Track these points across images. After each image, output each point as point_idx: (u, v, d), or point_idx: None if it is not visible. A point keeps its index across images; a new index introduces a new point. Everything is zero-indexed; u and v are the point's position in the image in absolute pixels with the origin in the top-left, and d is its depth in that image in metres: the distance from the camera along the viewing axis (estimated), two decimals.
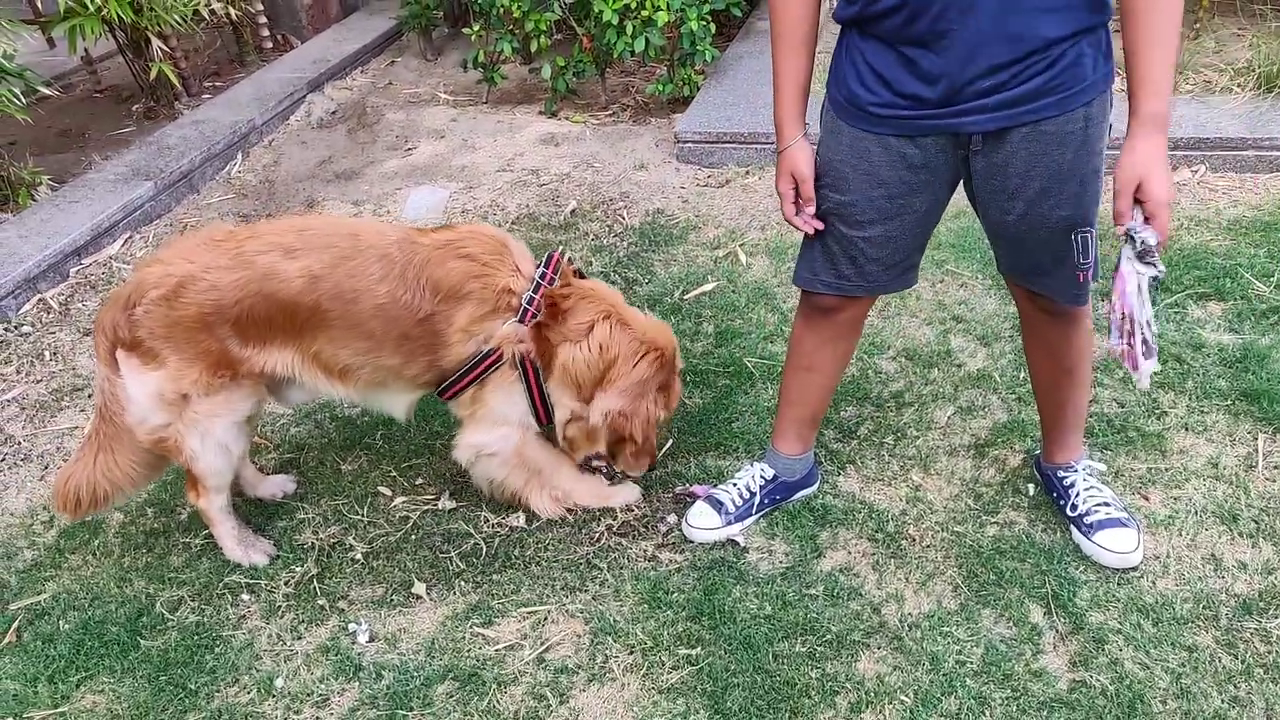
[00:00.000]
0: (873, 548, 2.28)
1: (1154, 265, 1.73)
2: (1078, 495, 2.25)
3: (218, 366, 2.12)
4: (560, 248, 2.45)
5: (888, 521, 2.34)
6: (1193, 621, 2.03)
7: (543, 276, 2.18)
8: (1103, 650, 1.98)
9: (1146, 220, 1.71)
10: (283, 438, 2.79)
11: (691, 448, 2.63)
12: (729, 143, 4.08)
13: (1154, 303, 1.77)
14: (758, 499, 2.35)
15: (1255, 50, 4.05)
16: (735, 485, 2.37)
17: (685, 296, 3.28)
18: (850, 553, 2.27)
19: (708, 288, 3.31)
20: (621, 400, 2.21)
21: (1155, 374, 1.86)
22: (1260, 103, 3.85)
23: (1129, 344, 1.81)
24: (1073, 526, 2.24)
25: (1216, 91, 4.00)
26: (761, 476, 2.37)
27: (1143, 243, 1.70)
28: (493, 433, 2.28)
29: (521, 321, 2.15)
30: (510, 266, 2.17)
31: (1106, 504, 2.22)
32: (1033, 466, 2.43)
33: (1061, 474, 2.30)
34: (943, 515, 2.35)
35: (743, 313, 3.17)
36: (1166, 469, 2.42)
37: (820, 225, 2.02)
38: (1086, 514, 2.22)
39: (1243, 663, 1.94)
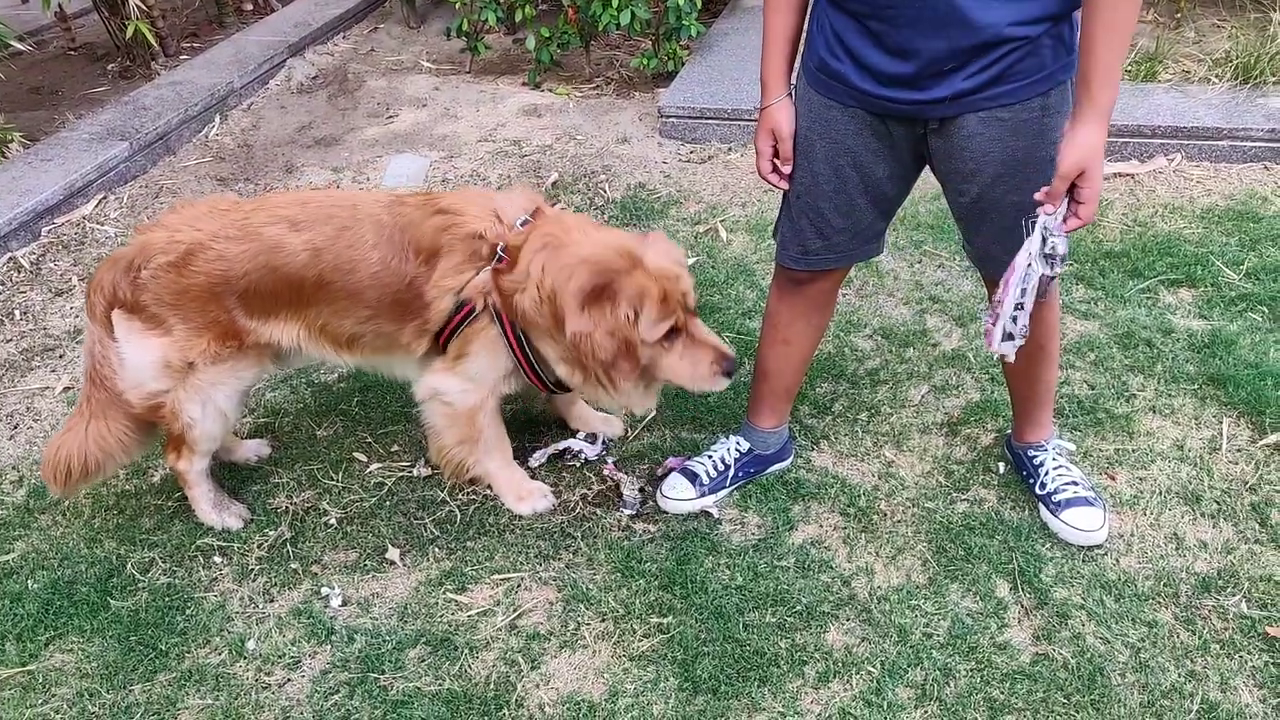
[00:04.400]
0: (844, 522, 2.30)
1: (1054, 267, 1.76)
2: (1046, 474, 2.29)
3: (225, 336, 2.11)
4: (554, 197, 2.38)
5: (859, 497, 2.37)
6: (1153, 598, 2.07)
7: (524, 224, 2.09)
8: (1066, 625, 2.02)
9: (1073, 206, 1.72)
10: (258, 402, 2.77)
11: (667, 421, 2.64)
12: (713, 119, 4.07)
13: (1040, 294, 1.81)
14: (732, 471, 2.37)
15: (1234, 41, 4.09)
16: (710, 457, 2.39)
17: None
18: (822, 526, 2.30)
19: (688, 263, 3.31)
20: (576, 322, 2.00)
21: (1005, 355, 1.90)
22: (1237, 93, 3.89)
23: (992, 324, 1.88)
24: (1041, 504, 2.28)
25: (1195, 81, 4.04)
26: (737, 449, 2.39)
27: (1053, 247, 1.74)
28: (455, 383, 2.20)
29: (493, 269, 2.07)
30: (488, 213, 2.10)
31: (1074, 483, 2.26)
32: (1004, 445, 2.46)
33: (1031, 453, 2.34)
34: (914, 491, 2.38)
35: (721, 288, 3.18)
36: (1133, 450, 2.46)
37: (786, 186, 2.05)
38: (1054, 493, 2.25)
39: (1200, 639, 1.98)
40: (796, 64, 1.99)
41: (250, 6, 5.83)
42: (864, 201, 2.02)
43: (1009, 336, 1.86)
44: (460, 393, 2.22)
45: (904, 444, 2.53)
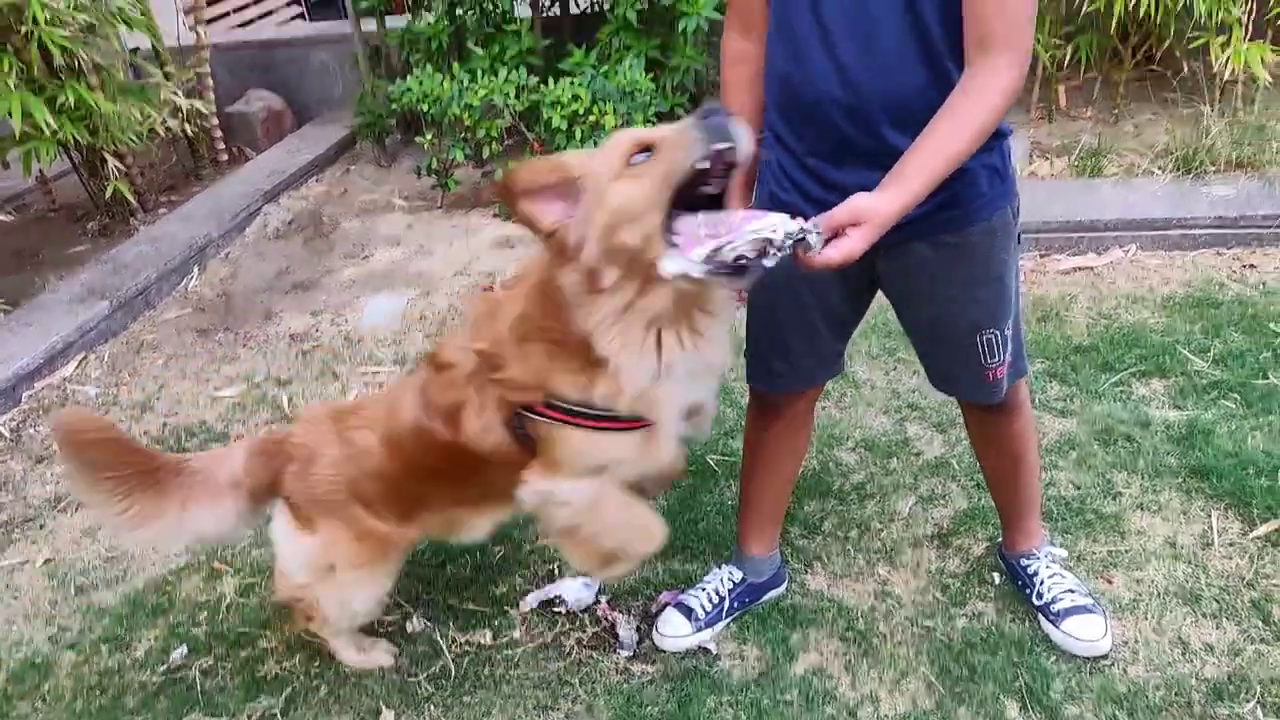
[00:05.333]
0: (844, 647, 2.28)
1: (770, 251, 1.54)
2: (1042, 583, 2.28)
3: (360, 538, 2.10)
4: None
5: (857, 619, 2.34)
6: (1166, 709, 2.05)
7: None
8: None
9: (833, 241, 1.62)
10: (243, 562, 2.74)
11: (659, 553, 2.62)
12: None
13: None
14: (727, 603, 2.35)
15: (1170, 135, 4.26)
16: (704, 589, 2.36)
17: None
18: (823, 654, 2.27)
19: None
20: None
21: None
22: (1180, 183, 4.03)
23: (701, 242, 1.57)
24: (1040, 615, 2.26)
25: (1139, 174, 4.19)
26: (730, 579, 2.38)
27: (788, 238, 1.55)
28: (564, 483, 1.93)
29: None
30: (465, 348, 1.94)
31: (1071, 590, 2.25)
32: (996, 555, 2.46)
33: (1024, 562, 2.33)
34: (911, 610, 2.36)
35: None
36: (1126, 550, 2.46)
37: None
38: (1052, 602, 2.24)
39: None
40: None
41: (226, 157, 5.97)
42: (823, 326, 2.06)
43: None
44: (570, 491, 1.93)
45: (897, 559, 2.52)
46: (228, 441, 3.24)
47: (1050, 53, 4.65)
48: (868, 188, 1.65)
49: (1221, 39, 4.29)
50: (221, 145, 5.95)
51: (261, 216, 5.15)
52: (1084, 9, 4.48)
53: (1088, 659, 2.17)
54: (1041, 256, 3.94)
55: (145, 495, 2.05)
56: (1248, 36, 4.35)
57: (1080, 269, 3.83)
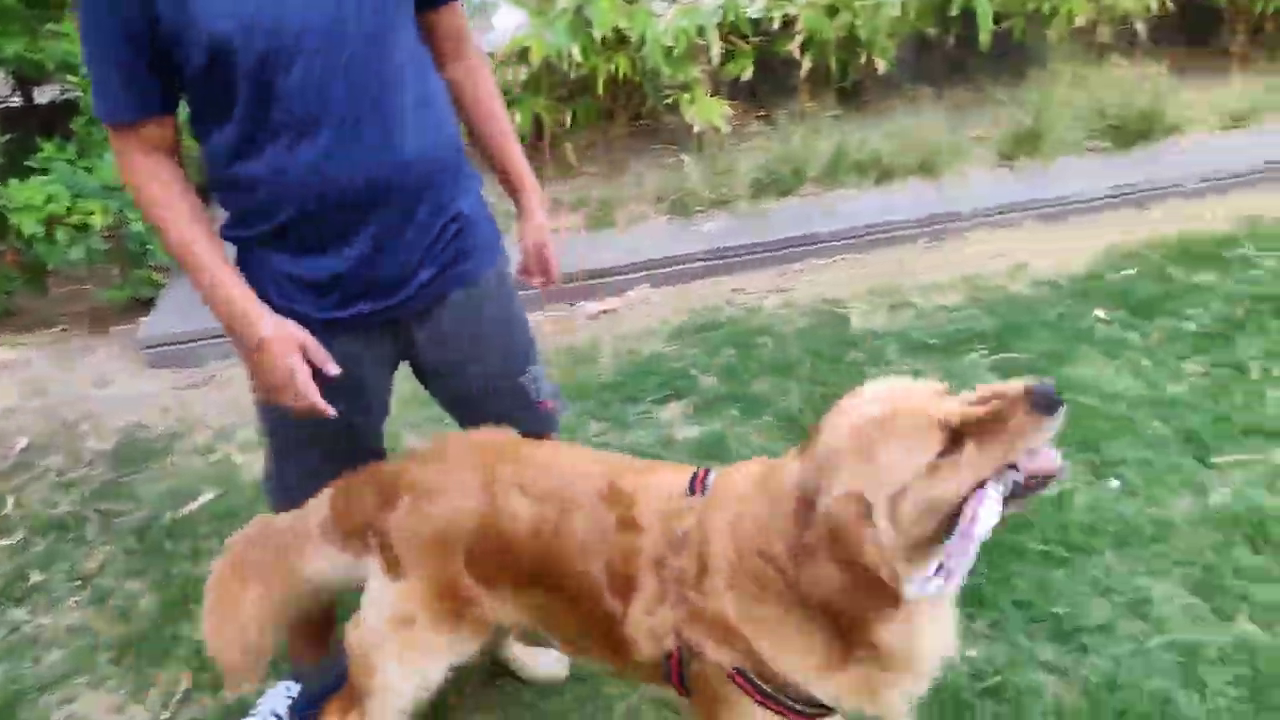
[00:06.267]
0: None
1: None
2: None
3: (448, 595, 1.76)
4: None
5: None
6: None
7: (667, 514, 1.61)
8: None
9: (540, 279, 2.10)
10: None
11: (205, 684, 2.38)
12: (204, 339, 3.87)
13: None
14: None
15: (661, 182, 4.82)
16: (259, 714, 2.19)
17: (180, 514, 3.01)
18: None
19: (206, 499, 3.08)
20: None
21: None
22: (675, 224, 4.57)
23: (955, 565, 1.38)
24: None
25: (642, 220, 4.67)
26: (287, 696, 2.22)
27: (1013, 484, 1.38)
28: None
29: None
30: (669, 526, 1.59)
31: None
32: None
33: None
34: (482, 674, 2.37)
35: (249, 517, 2.98)
36: None
37: (332, 411, 1.81)
38: None
39: None
40: None
41: None
42: (362, 422, 1.98)
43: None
44: None
45: None
46: None
47: (552, 115, 5.04)
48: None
49: (687, 96, 4.94)
50: None
51: None
52: (571, 74, 4.92)
53: None
54: (570, 306, 4.23)
55: None
56: (709, 93, 5.05)
57: (604, 312, 4.17)
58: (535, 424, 2.14)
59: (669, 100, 5.02)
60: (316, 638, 2.24)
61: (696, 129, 5.00)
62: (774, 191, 4.72)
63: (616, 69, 4.78)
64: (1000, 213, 4.59)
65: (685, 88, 4.98)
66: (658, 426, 3.28)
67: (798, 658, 1.43)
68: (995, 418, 1.33)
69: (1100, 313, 3.74)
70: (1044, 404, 1.31)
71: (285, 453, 2.01)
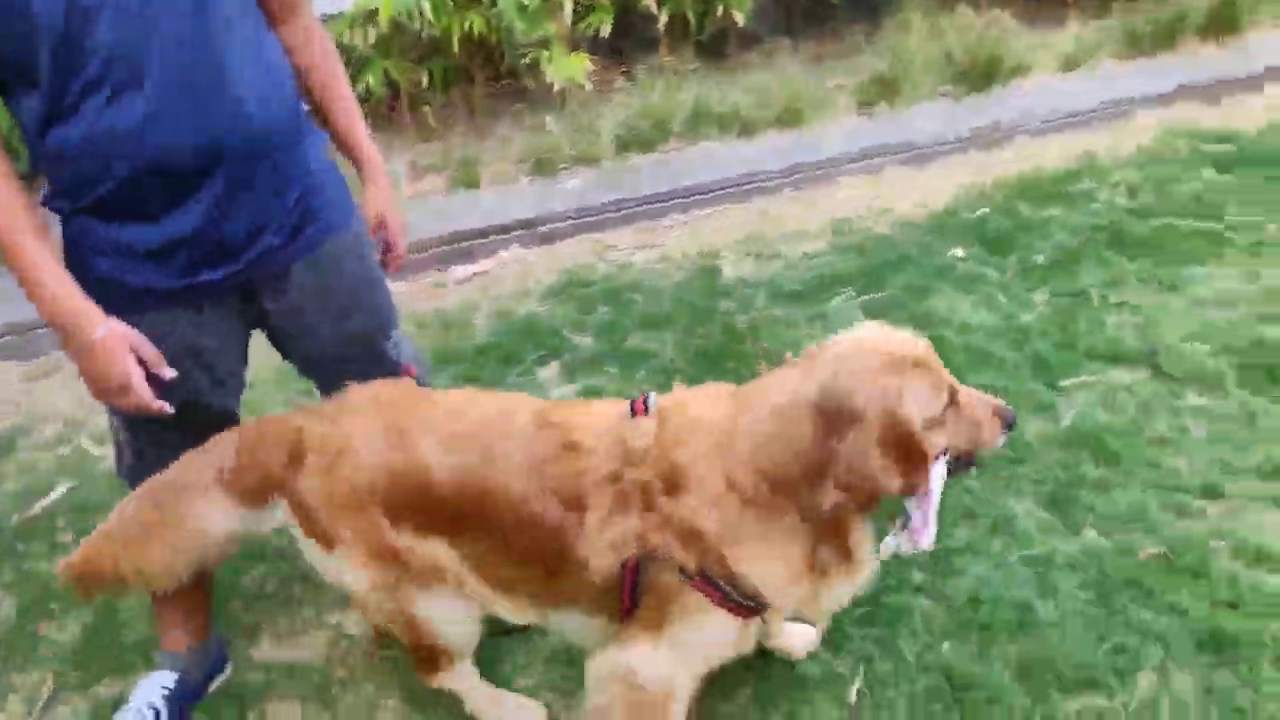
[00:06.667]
0: (303, 707, 2.19)
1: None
2: None
3: (382, 555, 1.76)
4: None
5: (313, 673, 2.26)
6: None
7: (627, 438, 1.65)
8: None
9: (387, 256, 2.08)
10: None
11: (72, 684, 2.28)
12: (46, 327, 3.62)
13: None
14: (165, 712, 2.11)
15: (525, 141, 4.76)
16: (133, 709, 2.10)
17: (30, 512, 2.84)
18: None
19: (58, 494, 2.91)
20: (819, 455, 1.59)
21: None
22: (541, 183, 4.52)
23: (922, 524, 1.66)
24: None
25: (508, 180, 4.60)
26: (162, 686, 2.14)
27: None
28: (653, 657, 1.70)
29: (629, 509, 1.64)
30: (615, 445, 1.66)
31: None
32: None
33: None
34: (369, 644, 2.34)
35: (107, 509, 2.83)
36: None
37: (169, 409, 1.76)
38: None
39: None
40: None
41: None
42: (212, 398, 1.92)
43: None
44: (656, 674, 1.71)
45: (346, 601, 2.46)
46: None
47: (407, 77, 4.89)
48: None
49: (546, 54, 4.87)
50: None
51: None
52: (424, 34, 4.78)
53: (534, 631, 2.33)
54: (440, 271, 4.14)
55: None
56: (569, 50, 4.99)
57: (475, 275, 4.11)
58: None
59: (528, 59, 4.94)
60: (192, 623, 2.17)
61: (558, 87, 4.94)
62: (639, 147, 4.72)
63: (471, 27, 4.67)
64: (861, 159, 4.72)
65: (544, 45, 4.91)
66: (535, 388, 3.27)
67: (769, 567, 1.61)
68: (971, 409, 1.64)
69: (958, 250, 3.89)
70: (1008, 422, 1.67)
71: (139, 436, 1.93)
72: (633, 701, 1.73)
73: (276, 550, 2.64)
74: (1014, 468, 2.70)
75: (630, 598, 1.66)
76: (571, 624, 1.84)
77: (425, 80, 4.97)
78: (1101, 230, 3.92)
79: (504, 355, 3.44)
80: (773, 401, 1.60)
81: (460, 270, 4.14)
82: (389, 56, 4.74)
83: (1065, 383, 3.03)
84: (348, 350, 2.00)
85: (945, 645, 2.21)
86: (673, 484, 1.59)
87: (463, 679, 2.01)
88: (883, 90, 5.07)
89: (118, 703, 2.18)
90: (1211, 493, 2.58)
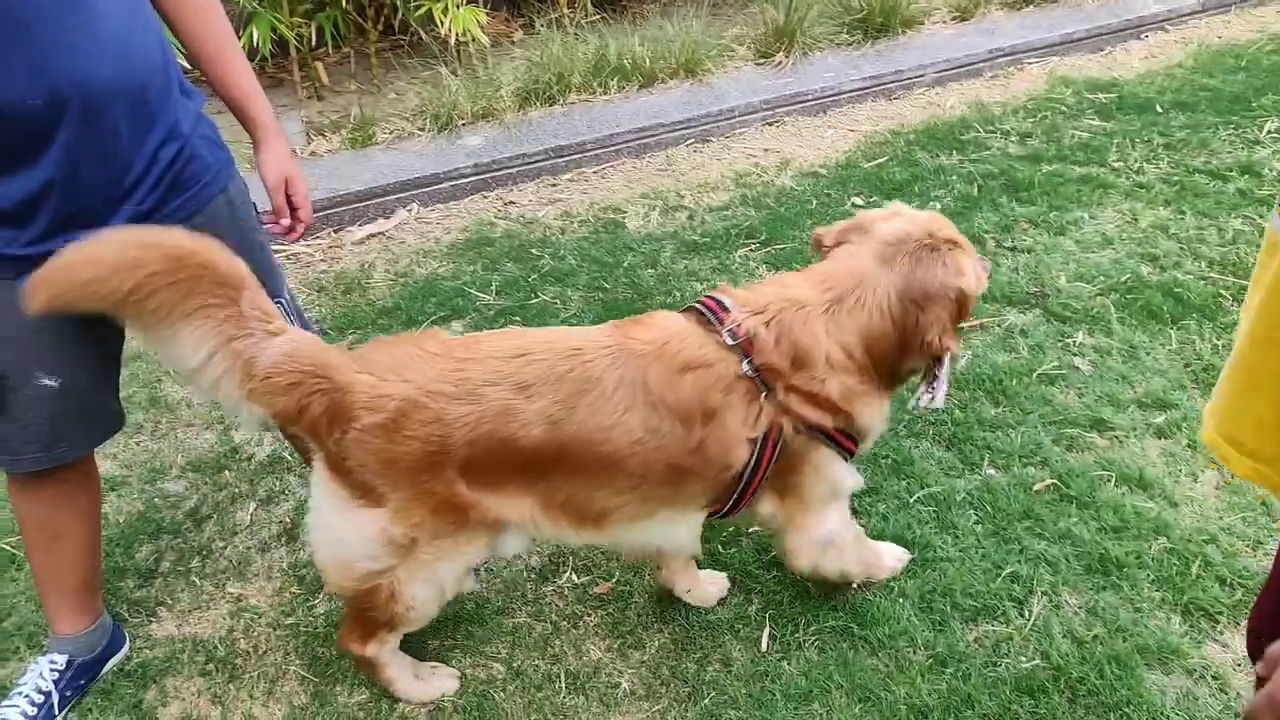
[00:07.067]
0: (207, 683, 2.12)
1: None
2: None
3: (445, 510, 1.74)
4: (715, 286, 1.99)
5: (216, 647, 2.20)
6: (508, 608, 2.27)
7: (732, 334, 1.80)
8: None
9: (293, 219, 2.00)
10: None
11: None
12: None
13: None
14: (56, 695, 2.03)
15: (422, 97, 4.62)
16: (21, 694, 2.01)
17: None
18: (185, 699, 2.09)
19: None
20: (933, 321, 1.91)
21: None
22: (440, 140, 4.40)
23: (935, 384, 2.00)
24: None
25: (406, 137, 4.48)
26: (52, 669, 2.05)
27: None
28: (833, 518, 2.03)
29: (769, 392, 1.81)
30: (718, 345, 1.80)
31: None
32: None
33: None
34: (272, 615, 2.28)
35: None
36: None
37: None
38: None
39: (553, 624, 2.22)
40: None
41: None
42: (80, 376, 1.83)
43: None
44: (839, 524, 2.05)
45: (247, 572, 2.40)
46: None
47: (296, 31, 4.69)
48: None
49: (440, 6, 4.72)
50: None
51: None
52: None
53: None
54: (336, 231, 4.02)
55: None
56: (463, 2, 4.85)
57: (373, 235, 4.00)
58: None
59: (421, 10, 4.79)
60: (80, 604, 2.08)
61: (454, 41, 4.81)
62: (539, 101, 4.63)
63: None
64: (762, 110, 4.72)
65: None
66: None
67: (874, 416, 1.93)
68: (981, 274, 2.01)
69: (857, 200, 3.95)
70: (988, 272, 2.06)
71: (6, 419, 1.81)
72: (838, 550, 2.05)
73: (172, 524, 2.55)
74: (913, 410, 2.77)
75: (764, 467, 1.85)
76: (664, 532, 1.91)
77: (315, 35, 4.78)
78: (995, 177, 4.02)
79: (406, 317, 3.37)
80: (862, 287, 1.86)
81: (358, 231, 4.02)
82: (276, 9, 4.53)
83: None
84: None
85: (852, 585, 2.26)
86: (800, 362, 1.81)
87: (388, 648, 1.98)
88: (780, 40, 5.08)
89: (3, 689, 2.08)
90: (1099, 426, 2.69)
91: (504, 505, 1.78)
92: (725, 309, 1.83)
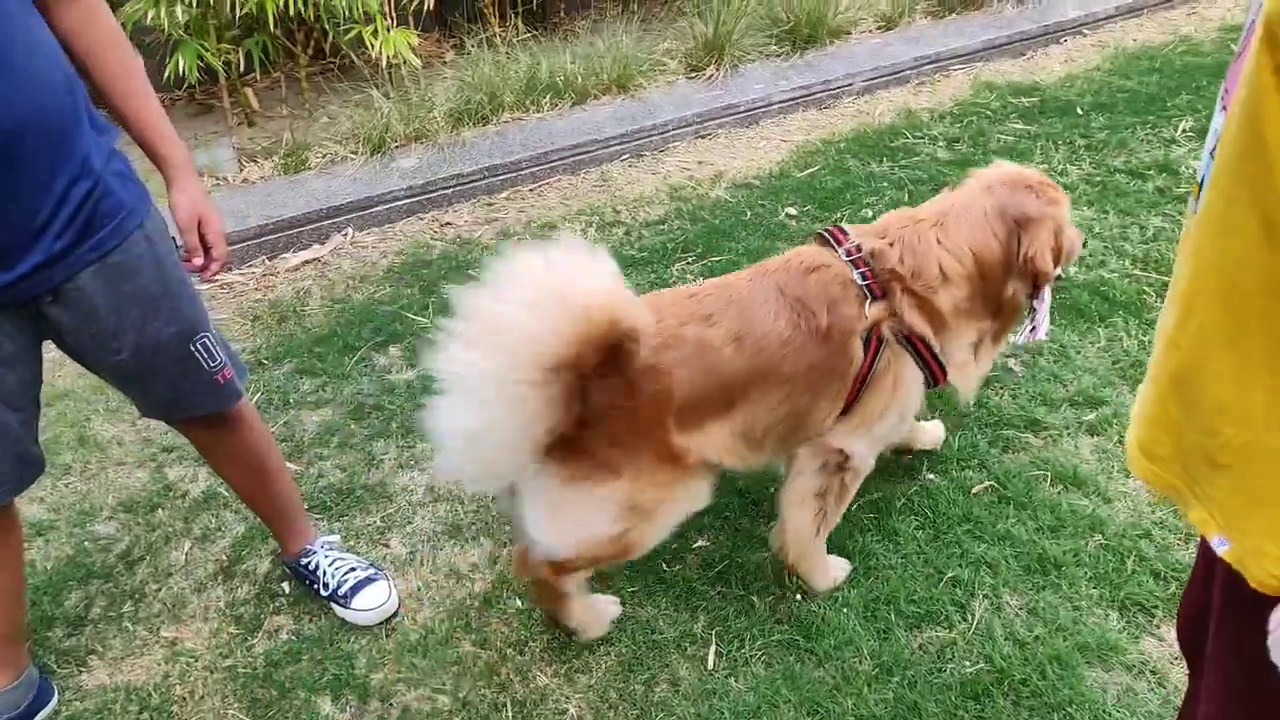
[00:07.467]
0: None
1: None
2: (325, 573, 2.31)
3: (665, 461, 1.90)
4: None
5: (150, 695, 2.14)
6: (452, 636, 2.24)
7: (847, 253, 2.06)
8: (388, 708, 2.07)
9: (206, 259, 1.96)
10: None
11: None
12: None
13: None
14: None
15: (354, 121, 4.57)
16: None
17: None
18: None
19: None
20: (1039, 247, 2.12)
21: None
22: (373, 163, 4.36)
23: (1039, 321, 2.23)
24: (331, 604, 2.30)
25: (339, 161, 4.42)
26: None
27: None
28: (864, 445, 2.14)
29: (875, 297, 2.02)
30: (835, 257, 2.07)
31: (352, 569, 2.32)
32: (282, 565, 2.43)
33: (304, 560, 2.34)
34: (208, 657, 2.22)
35: None
36: (396, 511, 2.62)
37: None
38: (338, 587, 2.29)
39: (498, 650, 2.19)
40: None
41: None
42: (9, 421, 1.77)
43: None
44: (866, 456, 2.16)
45: (182, 614, 2.34)
46: None
47: (224, 58, 4.61)
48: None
49: (370, 29, 4.68)
50: None
51: None
52: (237, 10, 4.51)
53: (382, 624, 2.27)
54: (270, 259, 3.95)
55: None
56: (394, 25, 4.81)
57: (308, 262, 3.93)
58: (209, 397, 2.01)
59: (351, 34, 4.74)
60: (4, 658, 2.00)
61: (385, 63, 4.76)
62: (472, 121, 4.60)
63: (285, 3, 4.43)
64: (694, 123, 4.75)
65: (367, 19, 4.71)
66: (377, 375, 3.17)
67: (969, 338, 2.13)
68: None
69: (791, 210, 3.98)
70: None
71: None
72: (851, 478, 2.17)
73: (103, 568, 2.47)
74: None
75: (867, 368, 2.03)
76: (804, 449, 2.11)
77: (244, 61, 4.70)
78: (925, 183, 4.08)
79: (343, 344, 3.31)
80: (971, 215, 2.08)
81: (293, 258, 3.96)
82: (203, 36, 4.45)
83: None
84: (155, 360, 1.88)
85: (797, 597, 2.27)
86: (917, 272, 2.03)
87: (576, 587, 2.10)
88: (711, 54, 5.12)
89: None
90: (1034, 426, 2.74)
91: (703, 443, 1.95)
92: (845, 233, 2.10)
